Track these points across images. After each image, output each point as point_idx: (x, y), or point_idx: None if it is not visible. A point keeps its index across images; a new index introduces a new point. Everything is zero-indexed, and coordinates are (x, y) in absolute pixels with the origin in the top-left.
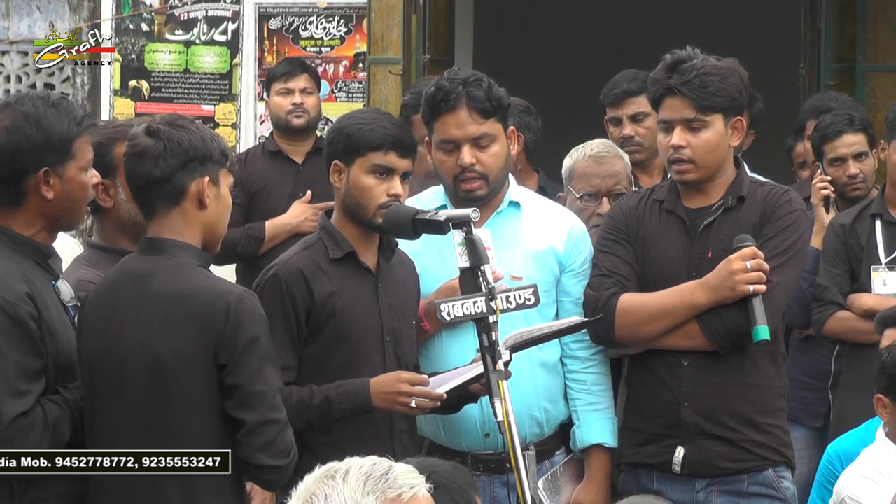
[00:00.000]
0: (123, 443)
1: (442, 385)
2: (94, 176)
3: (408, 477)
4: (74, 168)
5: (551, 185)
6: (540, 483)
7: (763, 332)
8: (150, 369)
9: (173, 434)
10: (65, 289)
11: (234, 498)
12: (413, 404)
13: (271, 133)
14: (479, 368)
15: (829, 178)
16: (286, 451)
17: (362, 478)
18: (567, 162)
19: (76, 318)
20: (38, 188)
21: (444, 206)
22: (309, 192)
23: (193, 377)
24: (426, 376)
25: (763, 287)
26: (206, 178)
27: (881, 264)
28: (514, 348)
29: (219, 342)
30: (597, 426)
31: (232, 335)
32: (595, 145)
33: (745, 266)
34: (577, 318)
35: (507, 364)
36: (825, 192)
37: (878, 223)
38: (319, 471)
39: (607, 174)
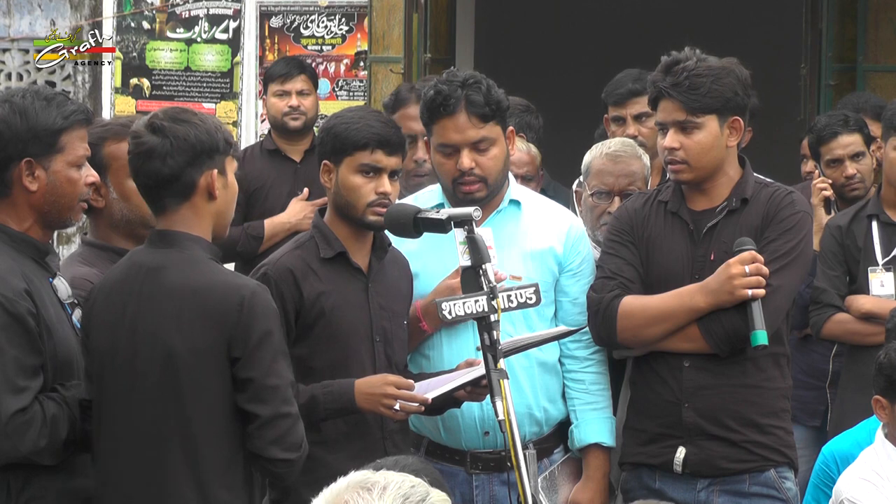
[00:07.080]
0: (134, 436)
1: (428, 390)
2: (90, 175)
3: None
4: (62, 162)
5: (553, 186)
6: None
7: (761, 336)
8: (163, 362)
9: (185, 426)
10: (62, 286)
11: (244, 491)
12: (397, 407)
13: (269, 132)
14: (466, 375)
15: (829, 180)
16: (298, 444)
17: (399, 499)
18: (586, 158)
19: (81, 313)
20: (21, 179)
21: (441, 205)
22: (306, 190)
23: (206, 370)
24: (412, 381)
25: (762, 291)
26: (215, 171)
27: (878, 265)
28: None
29: (232, 335)
30: (595, 426)
31: (246, 329)
32: (614, 144)
33: (743, 270)
34: (563, 328)
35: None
36: (825, 193)
37: (874, 224)
38: (353, 478)
39: (621, 174)
